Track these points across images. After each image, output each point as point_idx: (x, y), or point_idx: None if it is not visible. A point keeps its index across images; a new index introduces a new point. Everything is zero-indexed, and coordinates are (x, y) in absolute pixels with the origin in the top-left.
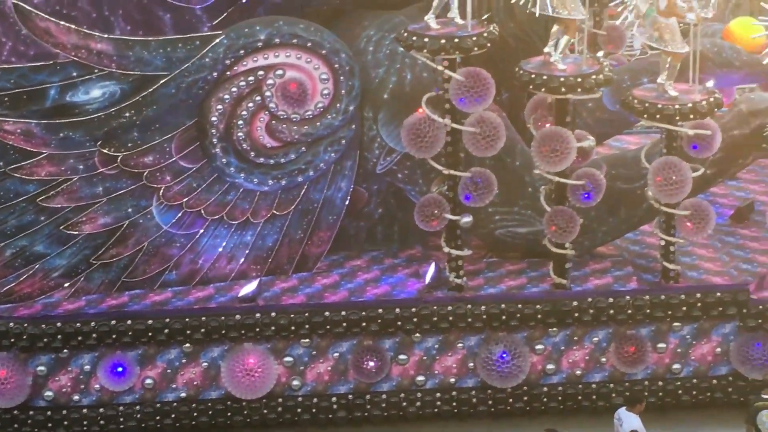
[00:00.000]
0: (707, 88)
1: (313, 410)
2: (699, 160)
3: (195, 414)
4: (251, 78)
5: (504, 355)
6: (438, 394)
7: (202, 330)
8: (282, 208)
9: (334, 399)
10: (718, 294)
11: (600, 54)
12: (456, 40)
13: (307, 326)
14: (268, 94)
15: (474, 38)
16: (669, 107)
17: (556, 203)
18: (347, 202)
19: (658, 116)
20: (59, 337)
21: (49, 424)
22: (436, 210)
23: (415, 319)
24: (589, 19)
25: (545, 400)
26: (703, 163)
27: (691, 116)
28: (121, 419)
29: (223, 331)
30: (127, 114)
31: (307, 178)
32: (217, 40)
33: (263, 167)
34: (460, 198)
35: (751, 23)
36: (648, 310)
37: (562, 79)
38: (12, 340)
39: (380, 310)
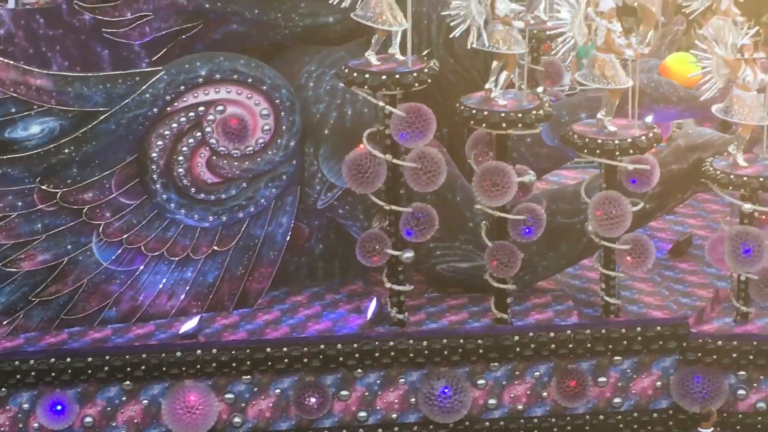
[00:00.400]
0: (646, 124)
1: None
2: (638, 195)
3: None
4: (192, 114)
5: (446, 391)
6: (380, 430)
7: (143, 367)
8: (223, 244)
9: None
10: (658, 328)
11: (540, 89)
12: (397, 76)
13: (248, 362)
14: (208, 129)
15: (415, 74)
16: (609, 142)
17: (497, 238)
18: (288, 238)
19: (598, 151)
20: None
21: None
22: (378, 245)
23: (357, 355)
24: (527, 55)
25: None
26: (642, 197)
27: (631, 151)
28: None
29: (164, 368)
30: (67, 150)
31: (248, 214)
32: (158, 76)
33: (204, 203)
34: (402, 233)
35: (687, 59)
36: (589, 345)
37: (502, 114)
38: None
39: (322, 346)
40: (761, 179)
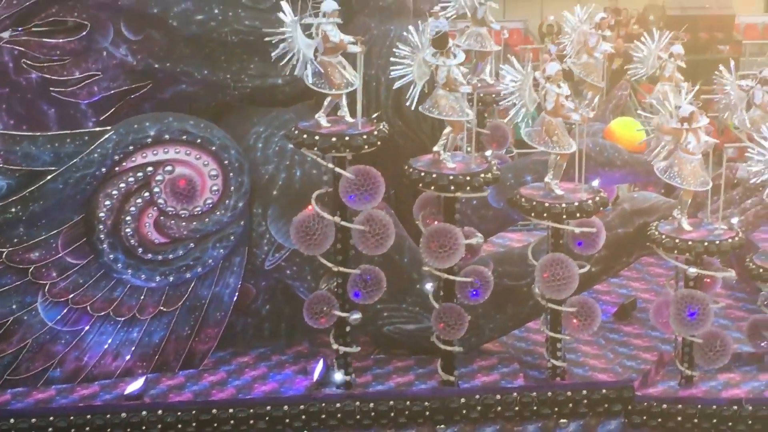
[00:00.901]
0: (592, 187)
1: None
2: (584, 258)
3: None
4: (140, 174)
5: None
6: None
7: (87, 428)
8: (169, 305)
9: None
10: (604, 391)
11: (488, 153)
12: (347, 138)
13: (194, 424)
14: (156, 189)
15: (365, 136)
16: (556, 206)
17: (445, 300)
18: (235, 299)
19: (545, 214)
20: None
21: None
22: (325, 307)
23: (303, 417)
24: (474, 119)
25: None
26: (588, 260)
27: (578, 214)
28: None
29: (109, 430)
30: (14, 209)
31: (195, 274)
32: (107, 136)
33: (151, 263)
34: (349, 295)
35: (631, 123)
36: (535, 407)
37: (451, 177)
38: None
39: (268, 408)
40: (706, 243)
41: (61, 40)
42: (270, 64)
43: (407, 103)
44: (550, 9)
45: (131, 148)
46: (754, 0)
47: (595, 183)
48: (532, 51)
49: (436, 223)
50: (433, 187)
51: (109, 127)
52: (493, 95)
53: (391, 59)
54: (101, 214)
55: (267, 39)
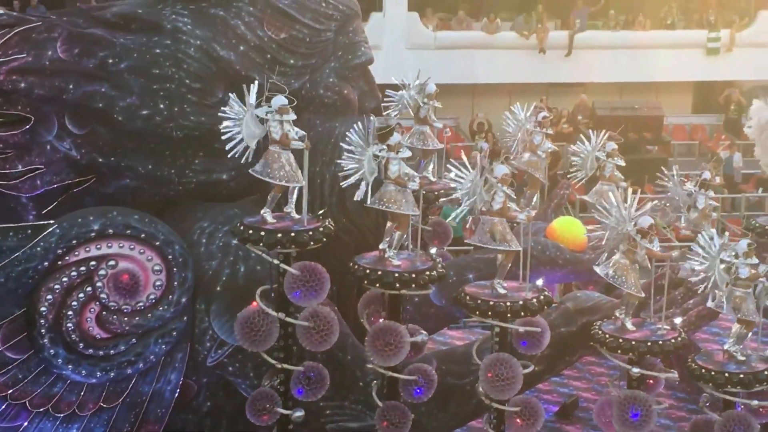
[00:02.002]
0: (537, 286)
1: None
2: (528, 357)
3: None
4: (83, 268)
5: None
6: None
7: None
8: (109, 401)
9: None
10: None
11: (433, 250)
12: (292, 234)
13: None
14: (99, 284)
15: (310, 233)
16: (500, 304)
17: (388, 398)
18: (176, 395)
19: (489, 313)
20: None
21: None
22: (268, 404)
23: None
24: (419, 215)
25: None
26: (531, 359)
27: (522, 313)
28: None
29: None
30: None
31: (136, 370)
32: (50, 230)
33: (92, 359)
34: (293, 392)
35: (573, 223)
36: None
37: (396, 274)
38: None
39: None
40: (649, 343)
41: (4, 133)
42: (215, 159)
43: (358, 199)
44: (480, 107)
45: (74, 242)
46: (683, 101)
47: (539, 282)
48: (463, 149)
49: (381, 320)
50: (378, 285)
51: (52, 221)
52: (436, 193)
53: (341, 157)
54: (42, 309)
55: (212, 134)
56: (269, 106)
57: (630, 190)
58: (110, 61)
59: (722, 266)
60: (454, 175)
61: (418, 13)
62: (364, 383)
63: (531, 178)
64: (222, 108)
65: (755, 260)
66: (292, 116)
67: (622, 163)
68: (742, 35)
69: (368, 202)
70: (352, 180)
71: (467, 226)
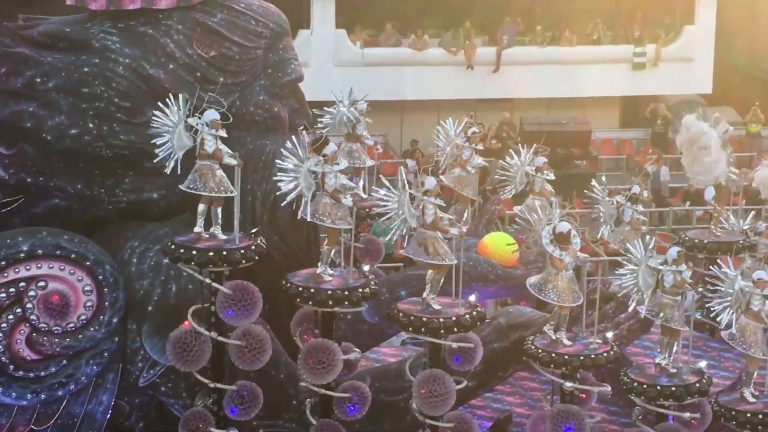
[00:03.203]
0: (469, 302)
1: None
2: (461, 373)
3: None
4: (12, 289)
5: None
6: None
7: None
8: (40, 423)
9: None
10: None
11: (366, 267)
12: (224, 252)
13: None
14: (29, 305)
15: (242, 251)
16: (434, 320)
17: (322, 416)
18: (108, 416)
19: (422, 329)
20: None
21: None
22: (201, 424)
23: None
24: (347, 232)
25: None
26: (464, 375)
27: (455, 329)
28: None
29: None
30: None
31: (67, 392)
32: None
33: (22, 381)
34: (226, 411)
35: (504, 238)
36: None
37: (329, 292)
38: None
39: None
40: (581, 357)
41: None
42: (145, 178)
43: (301, 217)
44: (408, 123)
45: (3, 263)
46: (610, 116)
47: (473, 297)
48: (392, 165)
49: (313, 338)
50: (311, 302)
51: None
52: (367, 209)
53: (273, 174)
54: None
55: (142, 153)
56: (200, 118)
57: (557, 203)
58: (38, 80)
59: (647, 272)
60: (383, 194)
61: (346, 30)
62: (297, 401)
63: (460, 195)
64: (153, 115)
65: (683, 267)
66: (223, 133)
67: (552, 177)
68: (668, 50)
69: (309, 217)
70: (290, 197)
71: (393, 241)
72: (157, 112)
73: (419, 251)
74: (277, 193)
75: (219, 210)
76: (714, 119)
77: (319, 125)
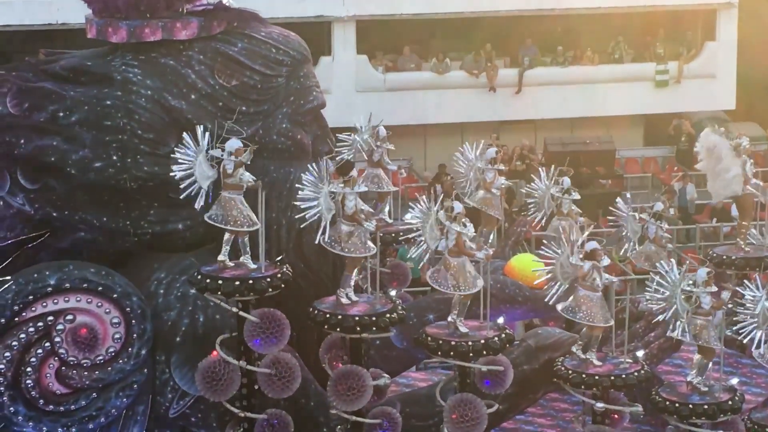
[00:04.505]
0: (498, 324)
1: None
2: (492, 396)
3: None
4: (40, 323)
5: None
6: None
7: None
8: None
9: None
10: None
11: (393, 292)
12: (250, 281)
13: None
14: (57, 339)
15: (268, 279)
16: (462, 344)
17: None
18: None
19: (452, 353)
20: None
21: None
22: None
23: None
24: (373, 257)
25: None
26: (495, 398)
27: (484, 352)
28: None
29: None
30: None
31: (98, 425)
32: (6, 286)
33: (53, 415)
34: None
35: (531, 260)
36: None
37: (356, 318)
38: None
39: None
40: (612, 377)
41: None
42: (169, 209)
43: (318, 241)
44: (432, 147)
45: (31, 297)
46: (634, 134)
47: (501, 320)
48: (417, 189)
49: (342, 365)
50: (338, 329)
51: (8, 277)
52: (393, 234)
53: (297, 198)
54: (0, 366)
55: (166, 184)
56: (222, 150)
57: (584, 223)
58: (61, 114)
59: (683, 296)
60: (409, 218)
61: (367, 56)
62: (328, 429)
63: (486, 216)
64: (175, 148)
65: (715, 288)
66: (245, 158)
67: (578, 197)
68: (690, 67)
69: (323, 242)
70: (310, 219)
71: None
72: (178, 146)
73: (441, 278)
74: (296, 216)
75: (246, 239)
76: (726, 130)
77: (340, 152)
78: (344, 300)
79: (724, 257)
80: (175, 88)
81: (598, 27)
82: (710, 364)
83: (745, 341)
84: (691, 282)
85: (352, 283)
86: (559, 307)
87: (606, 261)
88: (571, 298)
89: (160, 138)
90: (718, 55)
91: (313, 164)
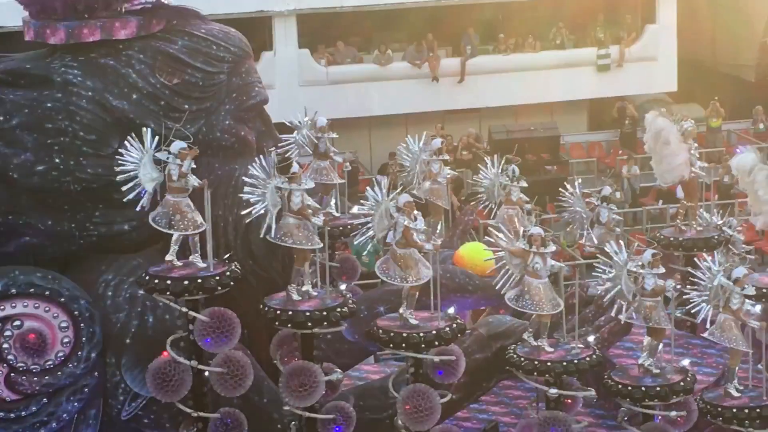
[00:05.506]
0: (449, 314)
1: None
2: (445, 386)
3: None
4: None
5: None
6: None
7: None
8: None
9: None
10: None
11: (343, 286)
12: (199, 280)
13: None
14: (6, 346)
15: (217, 278)
16: (414, 335)
17: None
18: None
19: (403, 345)
20: None
21: None
22: None
23: None
24: (321, 251)
25: None
26: (448, 388)
27: (436, 343)
28: None
29: None
30: None
31: (49, 430)
32: None
33: (3, 422)
34: None
35: (480, 249)
36: None
37: (307, 313)
38: None
39: None
40: (564, 363)
41: None
42: (115, 210)
43: (264, 235)
44: (377, 139)
45: None
46: (578, 119)
47: (451, 310)
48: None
49: (294, 361)
50: (289, 325)
51: None
52: (340, 228)
53: (242, 194)
54: None
55: (110, 186)
56: (168, 151)
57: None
58: (1, 118)
59: (629, 276)
60: (356, 209)
61: (309, 50)
62: (282, 425)
63: (433, 207)
64: (120, 150)
65: (661, 269)
66: (187, 164)
67: (525, 185)
68: (631, 50)
69: (271, 237)
70: (256, 213)
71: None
72: (122, 149)
73: (393, 271)
74: (243, 213)
75: (196, 238)
76: (668, 112)
77: (283, 148)
78: (294, 296)
79: (671, 239)
80: (116, 89)
81: (539, 14)
82: (661, 346)
83: (698, 321)
84: (639, 264)
85: (304, 277)
86: (507, 296)
87: (552, 247)
88: (517, 288)
89: (102, 139)
90: (659, 37)
91: (258, 159)
